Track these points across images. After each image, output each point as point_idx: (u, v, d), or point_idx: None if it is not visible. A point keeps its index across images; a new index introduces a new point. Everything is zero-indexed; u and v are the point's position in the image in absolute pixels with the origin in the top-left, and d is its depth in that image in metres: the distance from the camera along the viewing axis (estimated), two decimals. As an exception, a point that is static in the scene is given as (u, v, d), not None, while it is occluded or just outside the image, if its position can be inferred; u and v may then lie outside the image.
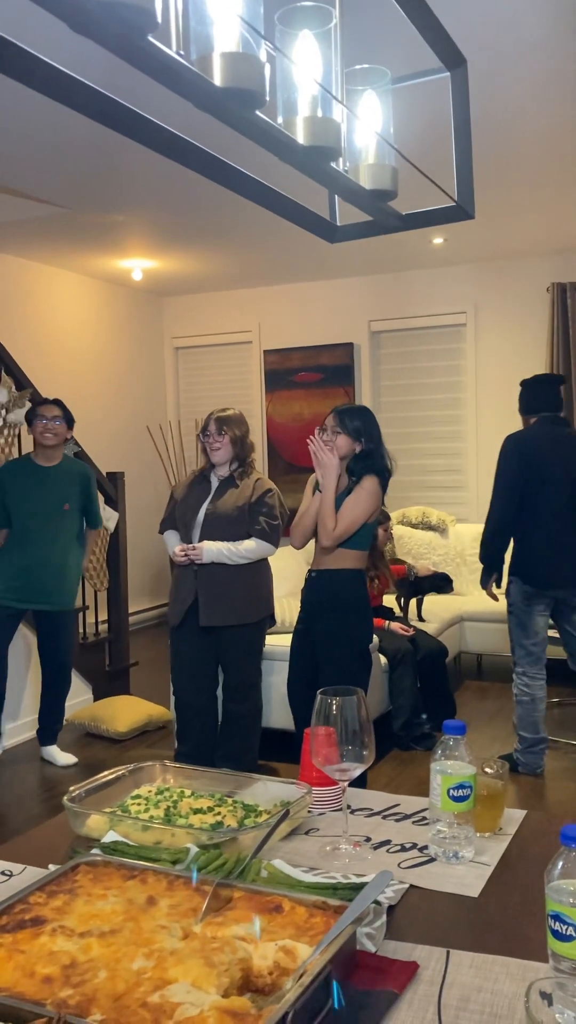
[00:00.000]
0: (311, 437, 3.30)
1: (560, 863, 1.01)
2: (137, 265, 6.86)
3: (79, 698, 5.15)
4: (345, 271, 7.32)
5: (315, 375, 7.71)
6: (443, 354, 7.32)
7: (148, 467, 7.73)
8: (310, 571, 3.46)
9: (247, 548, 3.66)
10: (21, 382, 4.72)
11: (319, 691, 1.43)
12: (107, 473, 5.45)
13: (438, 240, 6.35)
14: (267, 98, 1.03)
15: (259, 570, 3.78)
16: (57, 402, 4.21)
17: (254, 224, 5.76)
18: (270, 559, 4.90)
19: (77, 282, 7.21)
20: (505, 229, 6.09)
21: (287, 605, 4.59)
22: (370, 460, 3.32)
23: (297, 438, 4.08)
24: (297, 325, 7.78)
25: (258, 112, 1.07)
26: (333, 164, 1.26)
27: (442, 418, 7.36)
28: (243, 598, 3.71)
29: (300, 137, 1.17)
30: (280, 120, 1.19)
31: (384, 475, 3.35)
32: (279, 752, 3.88)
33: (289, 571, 4.50)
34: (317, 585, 3.39)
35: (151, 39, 0.88)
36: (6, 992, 0.97)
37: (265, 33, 1.05)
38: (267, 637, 4.30)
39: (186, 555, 3.65)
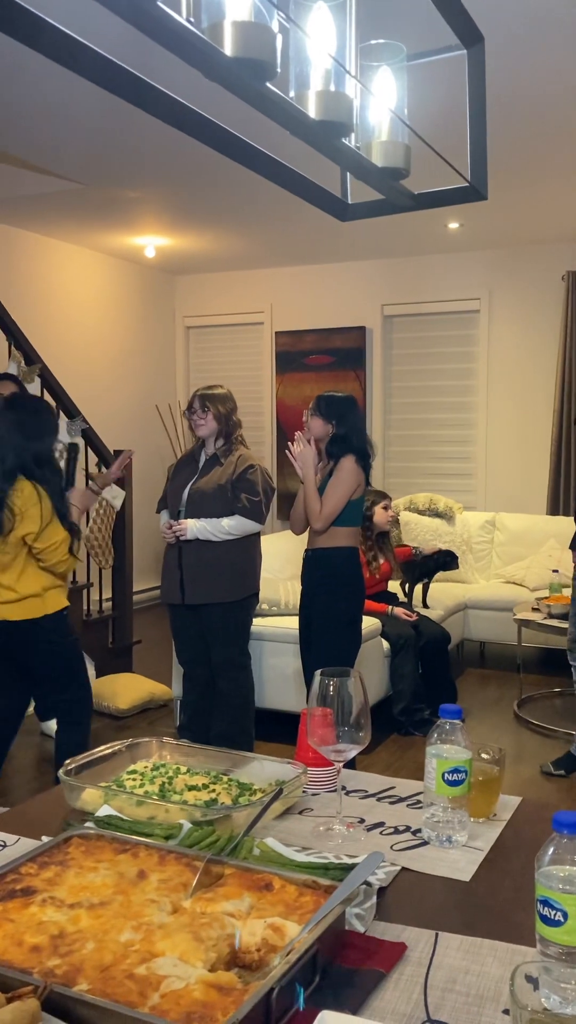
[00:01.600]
0: (296, 433, 3.57)
1: (551, 849, 1.01)
2: (150, 242, 6.83)
3: (82, 674, 5.17)
4: (359, 254, 7.27)
5: (327, 358, 7.68)
6: (455, 340, 7.28)
7: (156, 446, 7.73)
8: (306, 551, 3.66)
9: (228, 524, 3.68)
10: (31, 357, 4.71)
11: (318, 671, 1.43)
12: (114, 451, 5.45)
13: (453, 225, 6.30)
14: (279, 70, 1.02)
15: (245, 548, 3.78)
16: (11, 376, 4.14)
17: (269, 204, 5.72)
18: (275, 542, 4.92)
19: (90, 258, 7.19)
20: (521, 215, 6.04)
21: (290, 588, 4.60)
22: (345, 443, 3.55)
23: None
24: (310, 307, 7.74)
25: (269, 84, 1.06)
26: (345, 140, 1.24)
27: (452, 404, 7.33)
28: (227, 576, 3.73)
29: (312, 111, 1.16)
30: (292, 94, 1.18)
31: (362, 455, 3.55)
32: (276, 733, 3.90)
33: (294, 554, 4.49)
34: (311, 564, 3.63)
35: (160, 4, 0.87)
36: (-6, 960, 0.98)
37: (279, 3, 1.03)
38: (264, 620, 4.32)
39: (172, 531, 3.67)
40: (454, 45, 1.42)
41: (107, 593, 5.59)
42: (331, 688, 1.40)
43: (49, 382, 4.72)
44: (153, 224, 6.36)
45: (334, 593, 3.56)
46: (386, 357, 7.54)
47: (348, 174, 1.54)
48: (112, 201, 5.71)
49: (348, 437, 3.56)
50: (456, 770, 1.37)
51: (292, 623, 3.97)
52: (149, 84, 1.05)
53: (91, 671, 5.26)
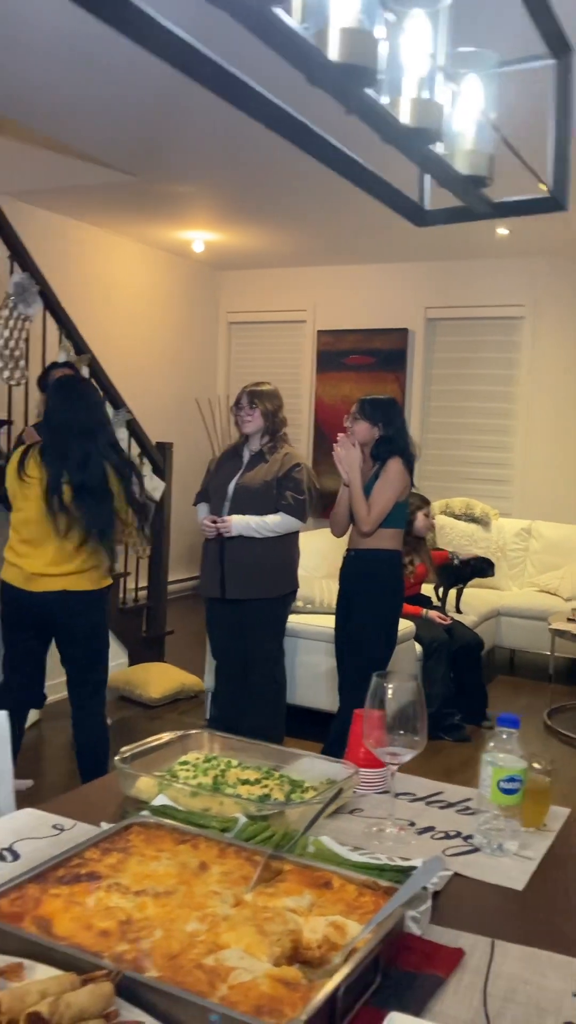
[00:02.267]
0: (339, 435, 3.53)
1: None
2: (199, 237, 6.85)
3: (114, 661, 5.20)
4: (404, 255, 7.25)
5: (367, 358, 7.67)
6: (498, 346, 7.24)
7: (194, 440, 7.75)
8: (348, 551, 3.62)
9: (274, 522, 3.69)
10: (80, 347, 4.75)
11: (375, 674, 1.44)
12: (156, 443, 5.49)
13: (503, 231, 6.27)
14: (380, 76, 1.03)
15: (286, 545, 3.80)
16: (69, 365, 4.18)
17: (318, 202, 5.72)
18: (312, 540, 4.93)
19: (138, 250, 7.23)
20: (571, 223, 5.99)
21: (325, 587, 4.61)
22: (391, 444, 3.52)
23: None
24: (353, 307, 7.73)
25: (367, 90, 1.06)
26: (433, 147, 1.25)
27: (493, 410, 7.29)
28: (268, 572, 3.74)
29: (404, 117, 1.16)
30: (385, 99, 1.18)
31: (407, 456, 3.54)
32: (304, 730, 3.91)
33: (332, 553, 4.50)
34: (353, 565, 3.59)
35: (278, 11, 0.88)
36: (65, 941, 1.00)
37: (383, 10, 1.04)
38: (298, 616, 4.33)
39: (215, 527, 3.69)
40: (542, 54, 1.41)
41: (143, 582, 5.63)
42: (389, 691, 1.41)
43: (96, 372, 4.76)
44: (203, 219, 6.38)
45: (375, 595, 3.55)
46: (427, 360, 7.51)
47: (427, 181, 1.54)
48: (164, 195, 5.73)
49: (394, 439, 3.54)
50: (511, 779, 1.38)
51: (327, 621, 3.98)
52: (248, 84, 1.05)
53: (124, 658, 5.31)
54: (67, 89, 4.00)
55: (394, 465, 3.48)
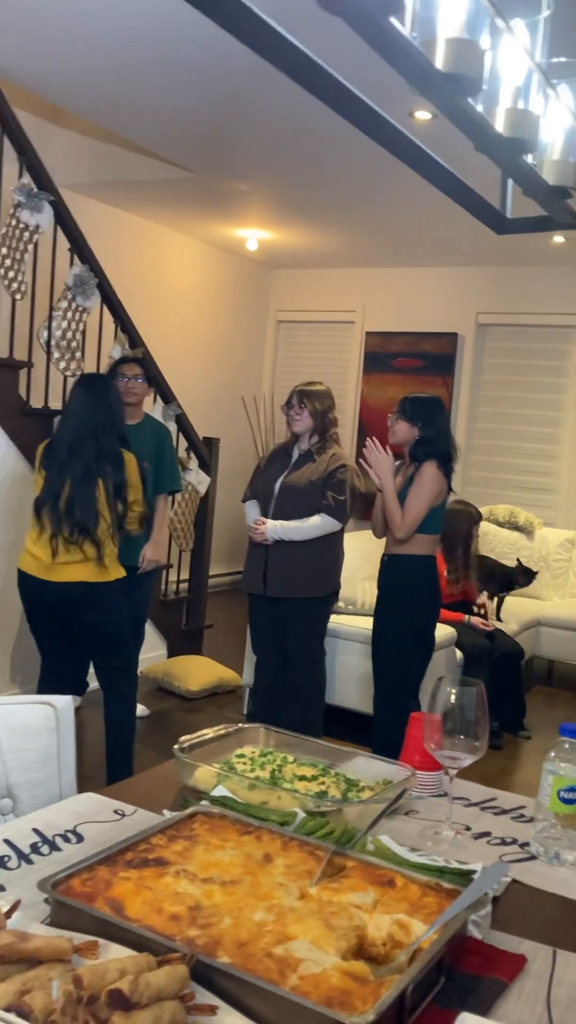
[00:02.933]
0: (368, 440, 3.48)
1: None
2: (253, 235, 6.88)
3: (153, 653, 5.26)
4: (458, 260, 7.22)
5: (415, 361, 7.65)
6: (550, 354, 7.19)
7: (238, 436, 7.79)
8: (383, 555, 3.60)
9: (311, 525, 3.70)
10: (135, 340, 4.80)
11: (438, 678, 1.44)
12: (204, 438, 5.52)
13: (559, 239, 6.22)
14: (484, 86, 1.04)
15: (329, 546, 3.80)
16: (138, 360, 4.21)
17: (372, 203, 5.72)
18: (354, 541, 4.93)
19: (193, 247, 7.28)
20: (631, 233, 5.93)
21: (367, 588, 4.61)
22: (429, 445, 3.45)
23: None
24: (403, 309, 7.72)
25: (469, 100, 1.07)
26: (525, 157, 1.25)
27: (541, 418, 7.24)
28: (310, 572, 3.76)
29: (500, 127, 1.17)
30: (480, 108, 1.19)
31: (445, 459, 3.46)
32: (341, 730, 3.92)
33: (374, 555, 4.50)
34: (387, 570, 3.56)
35: (392, 20, 0.89)
36: (137, 923, 1.02)
37: (488, 20, 1.05)
38: (339, 617, 4.34)
39: (258, 530, 3.73)
40: (633, 66, 1.41)
41: (184, 575, 5.67)
42: (452, 696, 1.41)
43: (149, 365, 4.80)
44: (258, 217, 6.41)
45: (407, 602, 3.50)
46: (476, 365, 7.47)
47: (509, 189, 1.55)
48: (221, 192, 5.77)
49: (433, 440, 3.46)
50: (572, 788, 1.38)
51: (366, 623, 3.98)
52: (333, 77, 1.06)
53: (163, 650, 5.36)
54: (129, 83, 4.04)
55: (428, 470, 3.40)
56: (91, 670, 3.78)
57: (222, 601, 6.76)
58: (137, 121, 4.58)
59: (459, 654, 4.56)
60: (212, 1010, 0.90)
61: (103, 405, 3.33)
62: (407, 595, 3.50)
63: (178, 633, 5.44)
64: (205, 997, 0.92)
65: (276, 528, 3.72)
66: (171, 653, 5.33)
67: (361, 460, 3.60)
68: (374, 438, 3.48)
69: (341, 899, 1.11)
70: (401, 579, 3.51)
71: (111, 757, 3.48)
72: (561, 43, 1.55)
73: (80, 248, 4.46)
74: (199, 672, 4.92)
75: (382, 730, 3.54)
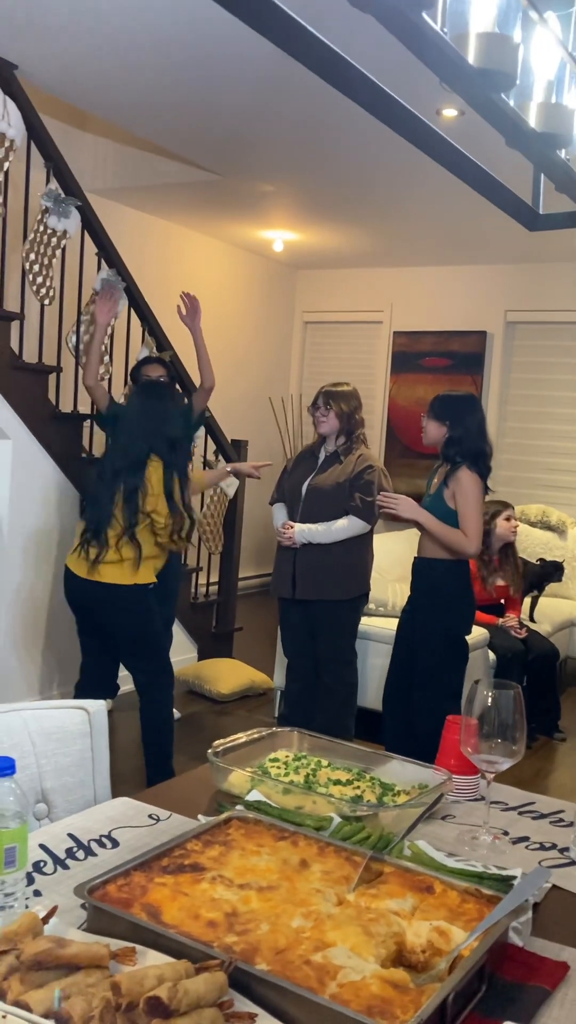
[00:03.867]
0: (380, 498, 3.46)
1: None
2: (279, 236, 6.88)
3: (184, 655, 5.27)
4: (485, 257, 7.17)
5: (444, 360, 7.60)
6: (579, 351, 7.11)
7: (266, 438, 7.79)
8: (415, 558, 3.54)
9: (339, 527, 3.68)
10: (162, 343, 4.81)
11: (474, 680, 1.43)
12: (231, 440, 5.53)
13: (588, 233, 6.15)
14: (517, 81, 1.02)
15: (359, 548, 3.78)
16: (161, 360, 4.24)
17: (398, 202, 5.69)
18: (385, 542, 4.91)
19: (219, 249, 7.29)
20: None
21: (398, 589, 4.58)
22: (459, 445, 3.35)
23: (418, 423, 4.08)
24: (430, 308, 7.67)
25: (503, 95, 1.06)
26: (560, 152, 1.23)
27: (571, 417, 7.16)
28: (339, 574, 3.74)
29: (533, 122, 1.16)
30: (512, 102, 1.17)
31: (478, 458, 3.36)
32: (374, 734, 3.89)
33: (405, 556, 4.47)
34: (418, 573, 3.52)
35: (424, 16, 0.88)
36: (175, 930, 1.02)
37: (521, 15, 1.03)
38: (369, 619, 4.32)
39: (287, 535, 3.72)
40: None
41: (213, 578, 5.68)
42: (489, 699, 1.40)
43: (177, 369, 4.81)
44: (284, 218, 6.41)
45: (438, 607, 3.43)
46: (506, 364, 7.42)
47: (542, 185, 1.53)
48: (247, 193, 5.77)
49: (463, 439, 3.35)
50: (612, 794, 1.35)
51: (396, 624, 3.95)
52: (363, 74, 1.04)
53: (193, 653, 5.36)
54: (154, 86, 4.05)
55: (464, 476, 3.31)
56: (125, 672, 3.81)
57: (252, 604, 6.76)
58: (162, 124, 4.59)
59: (492, 656, 4.52)
60: (251, 1018, 0.89)
61: (146, 411, 3.37)
62: (439, 601, 3.44)
63: (208, 636, 5.44)
64: (244, 1005, 0.91)
65: (304, 531, 3.70)
66: (201, 656, 5.34)
67: (354, 505, 3.63)
68: (382, 493, 3.50)
69: (379, 905, 1.10)
70: (431, 584, 3.45)
71: (149, 762, 3.50)
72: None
73: (107, 252, 4.48)
74: (230, 675, 4.92)
75: (426, 736, 3.52)
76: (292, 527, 3.73)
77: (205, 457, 5.33)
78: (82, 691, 3.54)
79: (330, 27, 1.15)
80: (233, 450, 5.49)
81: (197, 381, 4.49)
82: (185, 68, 3.80)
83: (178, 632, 5.12)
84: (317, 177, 5.31)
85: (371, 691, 4.37)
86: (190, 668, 5.03)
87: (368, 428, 7.84)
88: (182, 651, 5.24)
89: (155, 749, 3.48)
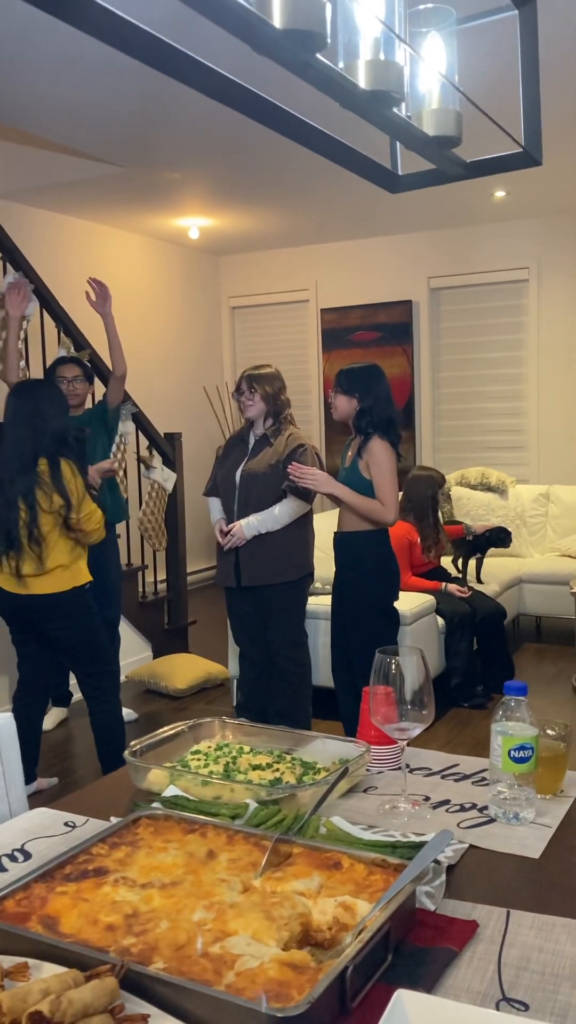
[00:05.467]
0: (291, 469, 3.37)
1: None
2: (193, 223, 6.81)
3: (138, 656, 5.24)
4: (403, 227, 7.18)
5: (373, 334, 7.61)
6: (505, 311, 7.16)
7: (204, 428, 7.75)
8: (335, 534, 3.56)
9: (282, 512, 3.66)
10: (80, 343, 4.74)
11: (378, 650, 1.42)
12: (164, 434, 5.48)
13: (500, 193, 6.18)
14: (328, 40, 1.00)
15: (299, 529, 3.77)
16: (75, 360, 4.19)
17: (310, 180, 5.66)
18: (325, 521, 4.91)
19: (134, 242, 7.20)
20: (569, 181, 5.89)
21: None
22: (370, 415, 3.38)
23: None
24: (355, 283, 7.67)
25: (319, 55, 1.04)
26: (395, 110, 1.22)
27: (503, 377, 7.22)
28: (283, 558, 3.72)
29: (362, 81, 1.14)
30: (341, 64, 1.15)
31: (388, 427, 3.39)
32: (330, 710, 3.90)
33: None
34: (339, 547, 3.53)
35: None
36: (71, 938, 1.00)
37: (326, -29, 1.01)
38: (317, 599, 4.31)
39: (230, 540, 3.67)
40: (505, 6, 1.38)
41: (161, 575, 5.64)
42: (393, 667, 1.39)
43: (99, 367, 4.74)
44: (196, 205, 6.34)
45: (364, 579, 3.44)
46: (434, 331, 7.44)
47: (398, 145, 1.51)
48: (154, 183, 5.70)
49: (373, 410, 3.39)
50: (522, 747, 1.36)
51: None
52: (192, 58, 1.03)
53: (148, 652, 5.33)
54: (46, 85, 3.97)
55: (377, 446, 3.33)
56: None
57: (205, 596, 6.73)
58: (59, 123, 4.51)
59: (440, 621, 4.55)
60: (144, 1019, 0.87)
61: (20, 414, 3.27)
62: (363, 573, 3.44)
63: (161, 633, 5.41)
64: (139, 1007, 0.90)
65: (251, 525, 3.66)
66: (156, 654, 5.31)
67: (291, 484, 3.51)
68: (292, 465, 3.40)
69: (284, 888, 1.09)
70: (353, 556, 3.45)
71: (105, 766, 3.46)
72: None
73: (11, 255, 4.40)
74: (185, 670, 4.90)
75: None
76: (236, 526, 3.68)
77: (139, 453, 5.28)
78: (18, 701, 3.49)
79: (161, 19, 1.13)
80: (167, 444, 5.45)
81: (129, 381, 4.44)
82: (76, 64, 3.73)
83: (130, 632, 5.08)
84: (224, 161, 5.26)
85: (322, 670, 4.37)
86: (144, 667, 5.00)
87: (305, 408, 7.89)
88: (136, 651, 5.21)
89: (108, 750, 3.45)
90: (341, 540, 3.50)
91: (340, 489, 3.35)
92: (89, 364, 4.56)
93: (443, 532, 4.83)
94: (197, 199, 6.17)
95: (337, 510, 3.76)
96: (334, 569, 3.61)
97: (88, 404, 4.28)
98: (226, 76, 1.12)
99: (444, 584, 4.68)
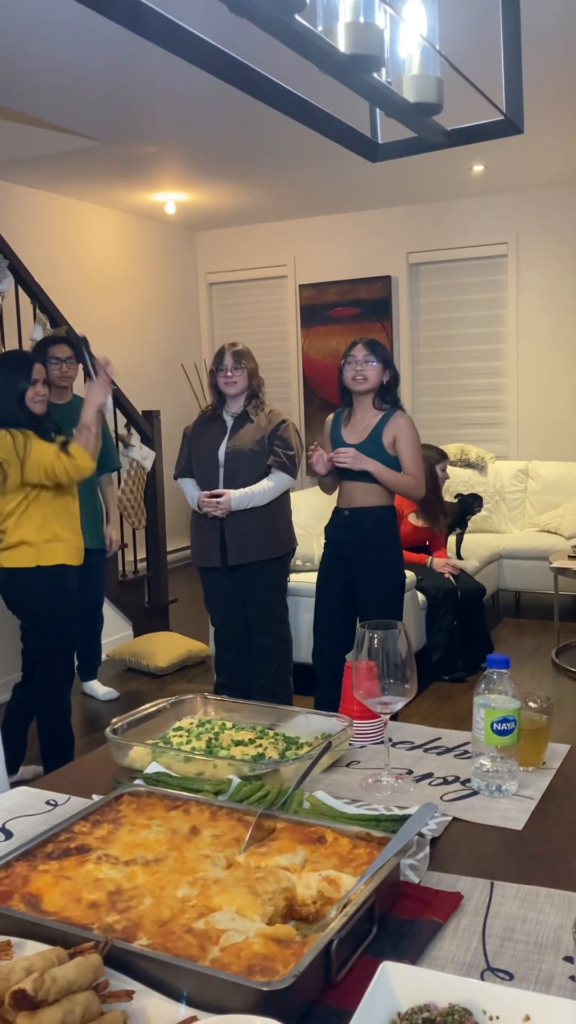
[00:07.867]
0: (311, 451, 3.35)
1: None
2: (170, 198, 6.73)
3: (119, 634, 5.22)
4: (382, 201, 7.13)
5: (352, 310, 7.57)
6: (483, 286, 7.14)
7: (183, 405, 7.69)
8: (341, 509, 3.49)
9: (270, 486, 3.64)
10: (56, 320, 4.68)
11: (359, 624, 1.41)
12: (143, 411, 5.44)
13: (478, 167, 6.14)
14: (307, 1, 0.97)
15: (281, 505, 3.76)
16: (66, 340, 4.07)
17: (288, 153, 5.60)
18: (306, 498, 4.90)
19: (110, 217, 7.11)
20: (548, 155, 5.86)
21: (317, 544, 4.58)
22: (393, 390, 3.44)
23: (334, 375, 4.01)
24: (333, 258, 7.62)
25: (297, 17, 1.01)
26: (376, 75, 1.19)
27: (482, 352, 7.22)
28: (267, 534, 3.71)
29: (341, 45, 1.11)
30: (320, 27, 1.13)
31: (398, 401, 3.49)
32: (312, 686, 3.91)
33: (326, 510, 4.47)
34: (351, 523, 3.44)
35: None
36: (54, 916, 0.99)
37: None
38: (299, 575, 4.31)
39: (217, 503, 3.61)
40: (486, -31, 1.35)
41: (141, 554, 5.62)
42: (375, 641, 1.39)
43: (76, 345, 4.69)
44: (172, 179, 6.26)
45: (382, 554, 3.42)
46: (412, 306, 7.42)
47: (378, 113, 1.49)
48: (130, 157, 5.62)
49: (395, 383, 3.45)
50: (505, 719, 1.36)
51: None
52: (168, 19, 1.01)
53: (129, 630, 5.31)
54: (19, 56, 3.89)
55: (404, 420, 3.37)
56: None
57: (185, 574, 6.71)
58: (32, 94, 4.42)
59: (421, 597, 4.56)
60: (128, 995, 0.87)
61: None
62: (378, 549, 3.42)
63: (142, 611, 5.39)
64: (123, 983, 0.89)
65: (241, 497, 3.62)
66: (137, 632, 5.30)
67: (278, 459, 3.56)
68: (337, 450, 3.35)
69: (268, 863, 1.08)
70: (369, 532, 3.42)
71: (47, 763, 3.37)
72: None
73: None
74: (166, 648, 4.89)
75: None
76: (224, 494, 3.63)
77: (117, 432, 5.23)
78: (15, 695, 3.44)
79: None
80: (145, 422, 5.41)
81: (104, 354, 4.33)
82: (49, 35, 3.65)
83: (111, 611, 5.06)
84: (200, 135, 5.18)
85: (305, 646, 4.38)
86: (126, 646, 4.98)
87: (284, 385, 7.86)
88: (117, 630, 5.19)
89: (49, 739, 3.38)
90: (353, 516, 3.43)
91: (373, 464, 3.31)
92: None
93: (445, 506, 4.82)
94: (173, 174, 6.09)
95: (316, 487, 3.73)
96: (324, 548, 3.58)
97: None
98: (204, 39, 1.10)
99: (430, 559, 4.69)
